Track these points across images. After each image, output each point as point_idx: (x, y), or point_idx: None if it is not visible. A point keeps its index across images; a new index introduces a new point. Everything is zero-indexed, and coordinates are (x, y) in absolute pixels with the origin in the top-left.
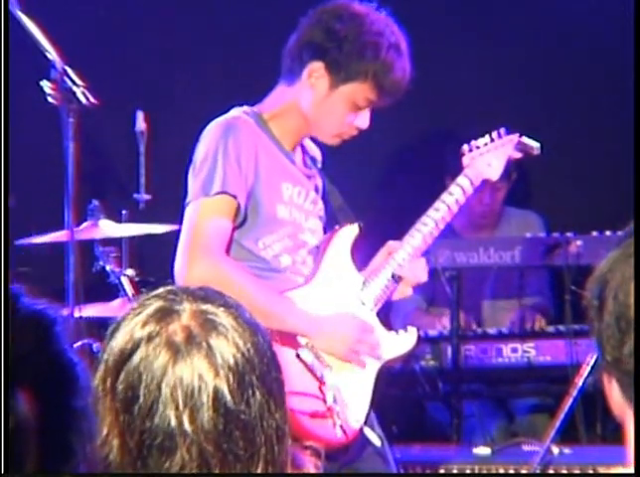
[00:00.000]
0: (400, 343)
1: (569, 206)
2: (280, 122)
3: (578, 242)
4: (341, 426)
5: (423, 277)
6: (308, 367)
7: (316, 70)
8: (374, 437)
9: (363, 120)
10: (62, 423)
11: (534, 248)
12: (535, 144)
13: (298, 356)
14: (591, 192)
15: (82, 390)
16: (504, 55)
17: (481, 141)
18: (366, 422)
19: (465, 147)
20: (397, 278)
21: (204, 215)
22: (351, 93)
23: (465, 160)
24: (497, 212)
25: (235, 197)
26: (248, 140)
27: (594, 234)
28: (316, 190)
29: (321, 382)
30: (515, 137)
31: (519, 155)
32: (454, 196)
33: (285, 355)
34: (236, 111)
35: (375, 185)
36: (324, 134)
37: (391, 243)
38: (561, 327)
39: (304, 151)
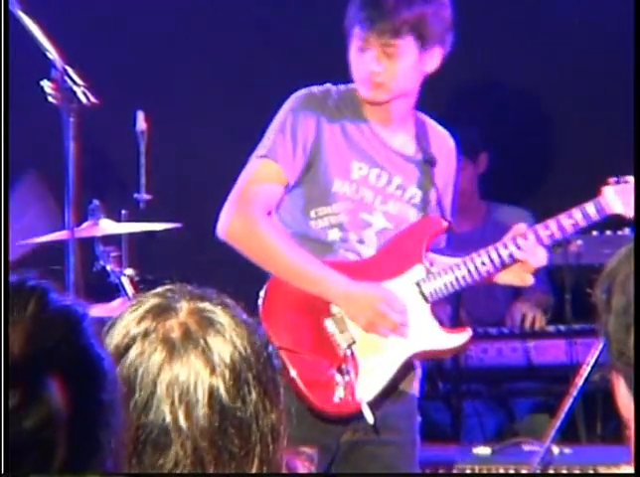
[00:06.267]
0: (444, 338)
1: (569, 206)
2: None
3: (578, 242)
4: (343, 398)
5: (543, 261)
6: (330, 336)
7: None
8: (368, 414)
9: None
10: (90, 416)
11: None
12: None
13: (324, 323)
14: (591, 192)
15: (110, 384)
16: (505, 48)
17: (632, 178)
18: (377, 406)
19: (612, 179)
20: (505, 262)
21: (248, 173)
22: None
23: (605, 190)
24: (468, 197)
25: (277, 162)
26: (313, 114)
27: (594, 234)
28: (415, 177)
29: (339, 351)
30: None
31: None
32: (571, 220)
33: (313, 319)
34: (328, 85)
35: None
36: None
37: (520, 225)
38: (562, 327)
39: (422, 138)
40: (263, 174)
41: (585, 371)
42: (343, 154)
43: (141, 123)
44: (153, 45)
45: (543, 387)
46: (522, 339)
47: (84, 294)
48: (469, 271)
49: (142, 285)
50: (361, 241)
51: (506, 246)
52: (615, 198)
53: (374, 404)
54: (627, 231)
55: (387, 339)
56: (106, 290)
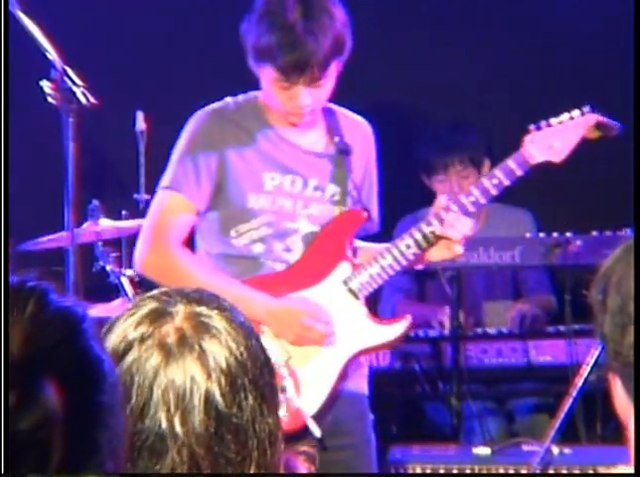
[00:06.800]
0: (380, 332)
1: (569, 206)
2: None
3: (578, 242)
4: (287, 416)
5: (467, 230)
6: None
7: None
8: (314, 428)
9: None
10: (88, 418)
11: (534, 248)
12: (615, 125)
13: None
14: (591, 192)
15: (110, 386)
16: (501, 52)
17: (557, 119)
18: (324, 414)
19: (532, 126)
20: (430, 240)
21: (157, 206)
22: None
23: (525, 140)
24: None
25: (181, 193)
26: (214, 134)
27: (594, 234)
28: (331, 173)
29: (276, 369)
30: (592, 118)
31: (596, 134)
32: (493, 180)
33: None
34: (227, 99)
35: None
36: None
37: (440, 198)
38: (562, 327)
39: (333, 129)
40: (171, 206)
41: (585, 371)
42: (252, 168)
43: (141, 123)
44: (153, 45)
45: (542, 387)
46: (522, 339)
47: (84, 294)
48: (395, 258)
49: (142, 286)
50: (287, 250)
51: (429, 224)
52: (534, 146)
53: (322, 413)
54: (627, 231)
55: (322, 347)
56: (106, 290)
